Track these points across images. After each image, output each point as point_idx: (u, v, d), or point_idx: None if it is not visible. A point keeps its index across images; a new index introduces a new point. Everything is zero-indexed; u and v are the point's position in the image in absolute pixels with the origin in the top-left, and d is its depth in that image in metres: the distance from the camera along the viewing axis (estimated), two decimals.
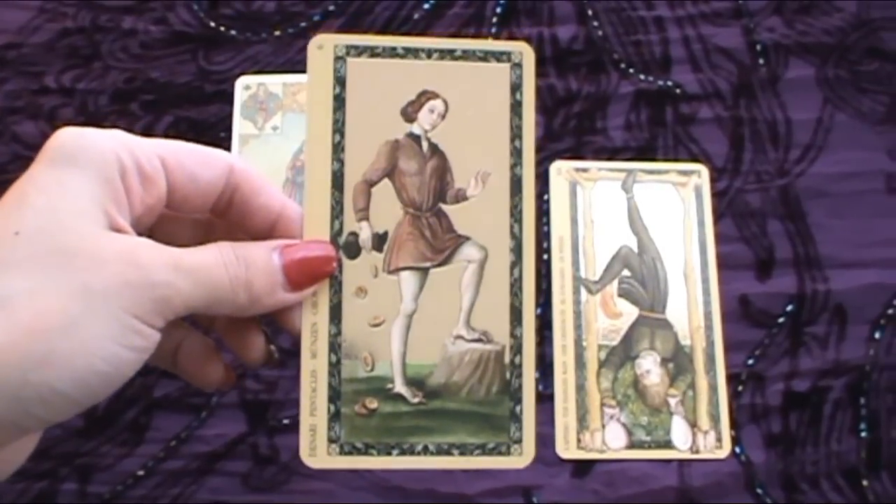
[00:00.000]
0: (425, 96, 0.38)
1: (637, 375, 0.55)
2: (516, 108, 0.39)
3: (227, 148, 0.60)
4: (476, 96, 0.38)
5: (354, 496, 0.53)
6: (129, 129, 0.62)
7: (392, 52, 0.38)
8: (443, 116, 0.38)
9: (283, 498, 0.53)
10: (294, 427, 0.55)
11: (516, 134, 0.39)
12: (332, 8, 0.66)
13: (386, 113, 0.38)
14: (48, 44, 0.65)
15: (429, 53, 0.38)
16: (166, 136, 0.62)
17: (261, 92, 0.61)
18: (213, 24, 0.65)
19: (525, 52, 0.39)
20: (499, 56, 0.39)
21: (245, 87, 0.61)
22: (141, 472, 0.54)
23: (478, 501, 0.53)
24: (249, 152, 0.60)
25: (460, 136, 0.38)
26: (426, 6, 0.66)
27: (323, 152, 0.37)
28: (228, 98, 0.62)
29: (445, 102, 0.38)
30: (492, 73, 0.39)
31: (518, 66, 0.39)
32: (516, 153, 0.38)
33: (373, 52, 0.38)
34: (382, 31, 0.65)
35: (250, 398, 0.56)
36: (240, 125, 0.60)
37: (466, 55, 0.39)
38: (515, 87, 0.39)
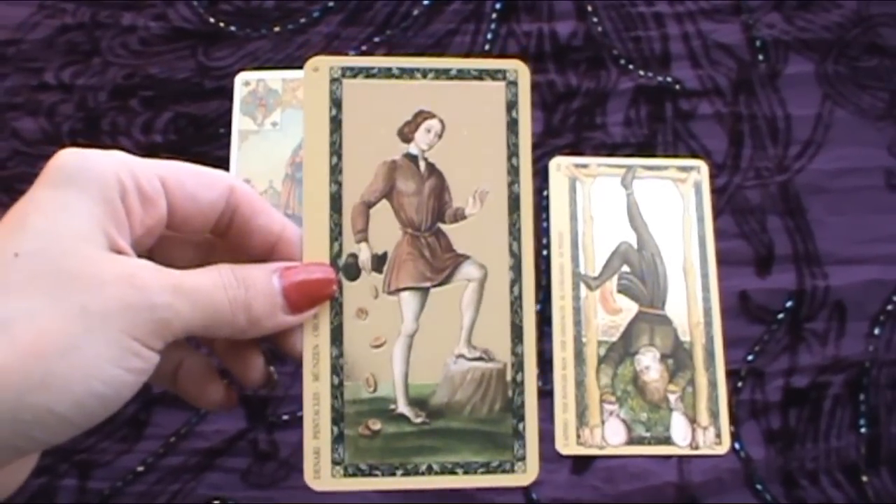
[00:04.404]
0: (421, 116, 0.38)
1: (636, 371, 0.55)
2: (512, 125, 0.39)
3: (227, 144, 0.60)
4: (472, 115, 0.39)
5: (355, 494, 0.53)
6: (129, 126, 0.62)
7: (387, 73, 0.38)
8: (439, 136, 0.38)
9: (282, 494, 0.53)
10: (294, 423, 0.55)
11: (513, 152, 0.39)
12: (331, 4, 0.66)
13: (383, 134, 0.38)
14: (47, 40, 0.65)
15: (424, 73, 0.38)
16: (166, 132, 0.62)
17: (260, 88, 0.61)
18: (212, 20, 0.65)
19: (520, 70, 0.39)
20: (494, 74, 0.39)
21: (244, 83, 0.61)
22: (140, 469, 0.54)
23: (478, 498, 0.53)
24: (249, 148, 0.60)
25: (457, 155, 0.39)
26: (426, 2, 0.66)
27: (321, 174, 0.38)
28: (228, 94, 0.62)
29: (442, 122, 0.38)
30: (487, 92, 0.39)
31: (513, 84, 0.39)
32: (513, 171, 0.39)
33: (368, 73, 0.38)
34: (382, 28, 0.65)
35: (250, 394, 0.56)
36: (239, 121, 0.60)
37: (462, 74, 0.39)
38: (511, 105, 0.39)
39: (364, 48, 0.64)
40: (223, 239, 0.38)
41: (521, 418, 0.38)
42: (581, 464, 0.54)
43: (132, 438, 0.55)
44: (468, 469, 0.38)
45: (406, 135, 0.38)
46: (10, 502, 0.53)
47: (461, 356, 0.38)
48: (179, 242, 0.38)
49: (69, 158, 0.33)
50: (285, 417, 0.55)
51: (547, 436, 0.54)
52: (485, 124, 0.39)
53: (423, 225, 0.38)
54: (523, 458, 0.38)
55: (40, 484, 0.54)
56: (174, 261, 0.35)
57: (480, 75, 0.39)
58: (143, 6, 0.66)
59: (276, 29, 0.65)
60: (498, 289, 0.38)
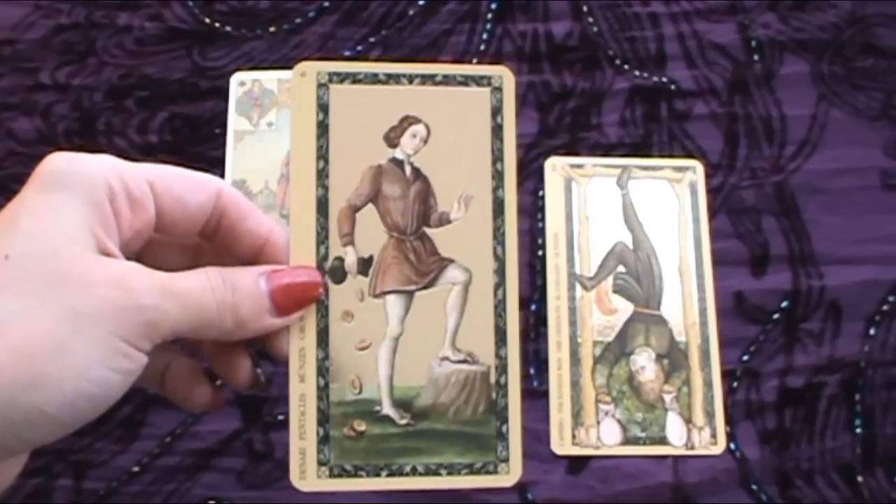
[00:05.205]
0: (407, 121, 0.39)
1: (632, 372, 0.55)
2: (497, 131, 0.39)
3: (222, 144, 0.60)
4: (457, 120, 0.39)
5: (350, 494, 0.53)
6: (124, 126, 0.62)
7: (374, 79, 0.39)
8: (425, 141, 0.39)
9: (277, 494, 0.53)
10: (289, 423, 0.55)
11: (497, 157, 0.39)
12: (326, 4, 0.66)
13: (369, 138, 0.38)
14: (43, 40, 0.65)
15: (410, 79, 0.39)
16: (161, 132, 0.62)
17: (256, 88, 0.61)
18: (207, 20, 0.65)
19: (505, 76, 0.39)
20: (479, 80, 0.39)
21: (240, 83, 0.61)
22: (136, 469, 0.54)
23: (473, 499, 0.53)
24: (244, 148, 0.60)
25: (443, 160, 0.39)
26: (421, 2, 0.66)
27: (307, 178, 0.38)
28: (223, 94, 0.61)
29: (427, 127, 0.39)
30: (473, 98, 0.39)
31: (498, 89, 0.39)
32: (498, 176, 0.39)
33: (355, 78, 0.39)
34: (377, 28, 0.65)
35: (245, 394, 0.56)
36: (234, 121, 0.60)
37: (447, 80, 0.39)
38: (496, 111, 0.39)
39: (359, 48, 0.64)
40: (211, 242, 0.38)
41: (505, 420, 0.38)
42: (576, 464, 0.54)
43: (127, 439, 0.55)
44: (452, 470, 0.38)
45: (392, 140, 0.39)
46: (4, 502, 0.53)
47: (445, 359, 0.38)
48: (167, 245, 0.38)
49: (58, 162, 0.33)
50: (280, 418, 0.55)
51: (542, 436, 0.54)
52: (470, 129, 0.39)
53: (409, 229, 0.39)
54: (507, 460, 0.38)
55: (36, 484, 0.54)
56: (162, 263, 0.35)
57: (466, 81, 0.39)
58: (139, 6, 0.66)
59: (272, 29, 0.65)
60: (482, 292, 0.39)
